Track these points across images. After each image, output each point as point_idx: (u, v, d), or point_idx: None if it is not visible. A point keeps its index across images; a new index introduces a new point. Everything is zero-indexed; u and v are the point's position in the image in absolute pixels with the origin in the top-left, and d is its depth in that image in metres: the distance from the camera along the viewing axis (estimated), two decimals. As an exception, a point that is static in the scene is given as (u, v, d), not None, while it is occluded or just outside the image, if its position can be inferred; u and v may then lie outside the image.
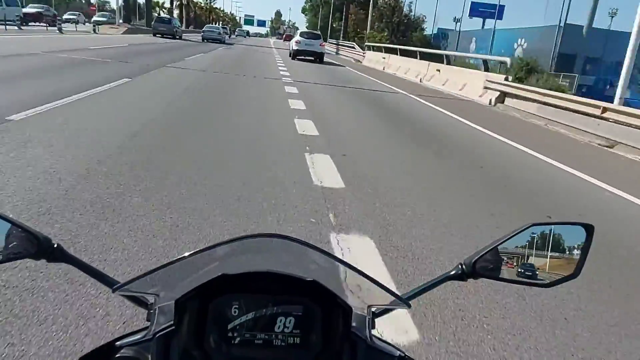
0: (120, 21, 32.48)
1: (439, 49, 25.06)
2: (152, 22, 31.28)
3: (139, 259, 2.02)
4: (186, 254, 0.53)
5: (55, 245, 0.60)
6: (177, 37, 29.55)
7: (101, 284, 0.61)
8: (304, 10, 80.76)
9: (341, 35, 37.78)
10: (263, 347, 0.53)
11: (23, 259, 0.60)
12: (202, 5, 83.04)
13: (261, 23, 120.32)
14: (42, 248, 0.59)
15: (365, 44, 27.49)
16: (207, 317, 0.53)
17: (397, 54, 20.06)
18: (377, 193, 3.36)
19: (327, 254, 0.55)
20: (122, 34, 26.73)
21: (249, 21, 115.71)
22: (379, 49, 23.37)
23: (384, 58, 20.29)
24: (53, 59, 9.70)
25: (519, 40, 25.57)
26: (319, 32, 23.81)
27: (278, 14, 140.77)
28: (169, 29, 29.01)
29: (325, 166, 3.88)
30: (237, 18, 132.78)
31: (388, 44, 25.67)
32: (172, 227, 2.38)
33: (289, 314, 0.53)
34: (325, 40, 46.92)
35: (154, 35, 28.43)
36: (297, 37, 21.46)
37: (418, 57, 17.04)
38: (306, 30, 26.08)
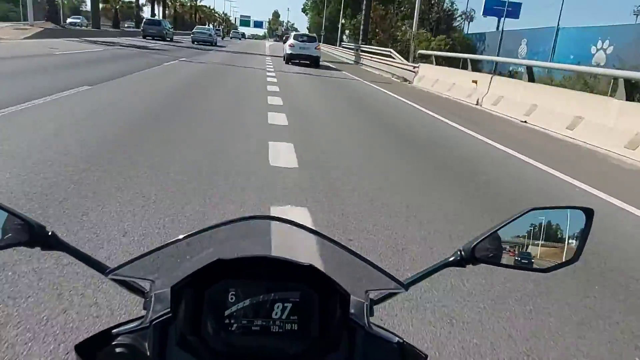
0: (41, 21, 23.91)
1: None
2: (142, 24, 32.48)
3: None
4: (180, 236, 0.54)
5: (50, 233, 0.62)
6: (168, 39, 30.59)
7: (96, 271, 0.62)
8: (304, 9, 74.40)
9: (360, 37, 29.54)
10: (260, 334, 0.54)
11: (18, 247, 0.61)
12: (186, 2, 75.77)
13: (258, 24, 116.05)
14: (36, 236, 0.61)
15: (417, 51, 19.47)
16: (204, 304, 0.55)
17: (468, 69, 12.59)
18: None
19: (324, 237, 0.57)
20: (25, 38, 19.02)
21: (244, 22, 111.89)
22: (460, 64, 14.48)
23: (474, 82, 10.35)
24: None
25: (600, 42, 18.98)
26: (315, 35, 23.48)
27: (276, 15, 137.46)
28: (158, 31, 30.14)
29: None
30: (233, 19, 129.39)
31: (448, 50, 18.49)
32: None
33: (286, 300, 0.55)
34: (338, 44, 36.03)
35: (144, 37, 29.41)
36: (291, 40, 20.40)
37: (614, 93, 7.17)
38: (300, 32, 25.89)
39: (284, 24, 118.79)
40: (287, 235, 0.59)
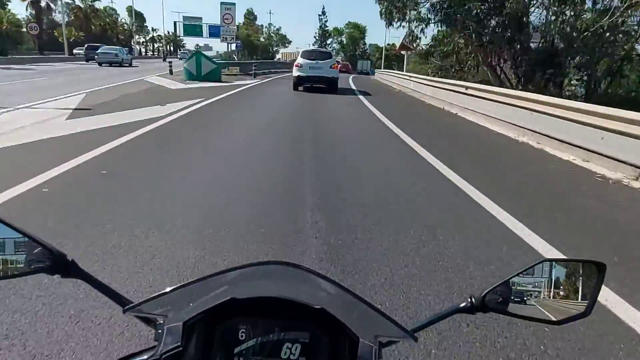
0: None
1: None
2: (85, 49, 44.23)
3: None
4: (197, 277, 0.69)
5: (70, 261, 0.75)
6: (126, 64, 37.63)
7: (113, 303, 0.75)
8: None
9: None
10: None
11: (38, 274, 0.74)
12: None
13: (216, 31, 69.20)
14: (56, 263, 0.74)
15: None
16: (214, 340, 0.66)
17: None
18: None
19: (335, 284, 0.69)
20: None
21: (191, 29, 64.84)
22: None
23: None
24: None
25: None
26: (329, 51, 22.20)
27: (249, 15, 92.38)
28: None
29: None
30: (174, 27, 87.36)
31: None
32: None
33: (296, 341, 0.65)
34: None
35: (87, 61, 38.62)
36: (299, 59, 19.41)
37: None
38: (311, 48, 23.69)
39: (264, 29, 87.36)
40: (301, 280, 0.70)
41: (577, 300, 0.78)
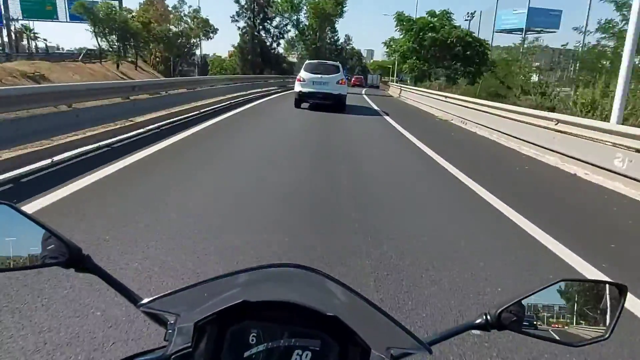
0: None
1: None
2: None
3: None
4: (210, 277, 0.73)
5: (85, 255, 0.80)
6: None
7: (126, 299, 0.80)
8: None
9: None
10: None
11: (53, 267, 0.79)
12: None
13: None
14: (72, 257, 0.78)
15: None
16: (224, 343, 0.69)
17: None
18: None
19: (349, 290, 0.72)
20: None
21: (35, 7, 50.92)
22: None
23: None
24: None
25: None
26: (337, 64, 20.11)
27: None
28: None
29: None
30: (8, 8, 50.84)
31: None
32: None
33: (306, 348, 0.68)
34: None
35: None
36: (301, 73, 18.70)
37: None
38: (316, 61, 21.45)
39: (178, 12, 56.02)
40: (315, 285, 0.74)
41: (595, 322, 0.80)
